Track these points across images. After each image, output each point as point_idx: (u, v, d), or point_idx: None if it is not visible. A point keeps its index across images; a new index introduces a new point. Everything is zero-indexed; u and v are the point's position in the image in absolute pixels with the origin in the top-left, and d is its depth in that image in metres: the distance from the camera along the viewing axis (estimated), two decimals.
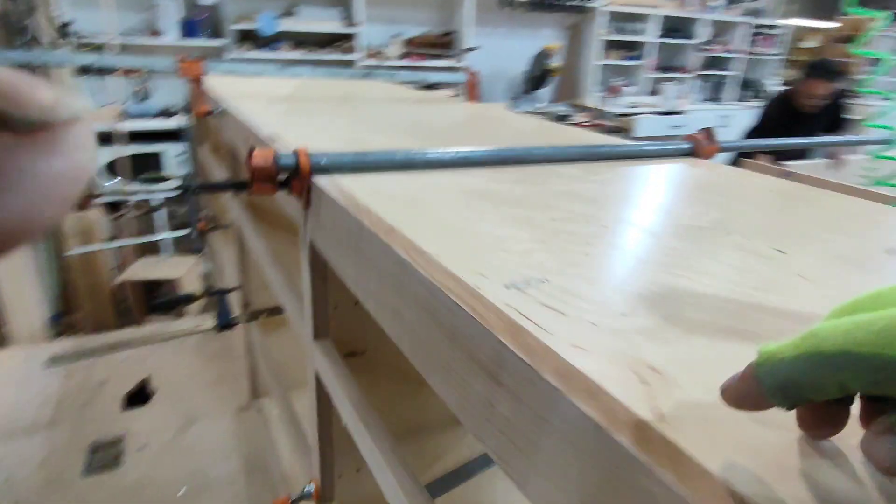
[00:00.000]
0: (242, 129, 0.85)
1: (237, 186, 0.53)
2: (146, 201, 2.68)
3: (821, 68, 2.29)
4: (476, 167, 0.62)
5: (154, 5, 3.07)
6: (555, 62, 3.75)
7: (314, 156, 0.52)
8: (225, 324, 1.09)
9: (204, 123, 1.51)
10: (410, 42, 3.79)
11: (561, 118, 3.61)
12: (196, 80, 1.06)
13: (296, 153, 0.52)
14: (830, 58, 2.27)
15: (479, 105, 1.24)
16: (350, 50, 3.56)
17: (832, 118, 2.44)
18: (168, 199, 2.49)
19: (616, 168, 0.68)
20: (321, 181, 0.51)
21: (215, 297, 1.15)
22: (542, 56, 3.65)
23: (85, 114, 0.13)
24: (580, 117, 3.79)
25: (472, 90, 1.30)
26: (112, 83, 2.92)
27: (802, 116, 2.33)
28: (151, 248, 3.00)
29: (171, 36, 3.11)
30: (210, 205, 1.77)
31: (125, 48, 2.95)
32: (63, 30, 2.42)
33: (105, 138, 2.63)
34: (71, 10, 2.87)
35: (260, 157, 0.49)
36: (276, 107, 1.01)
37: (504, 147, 0.64)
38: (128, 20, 3.11)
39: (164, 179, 2.06)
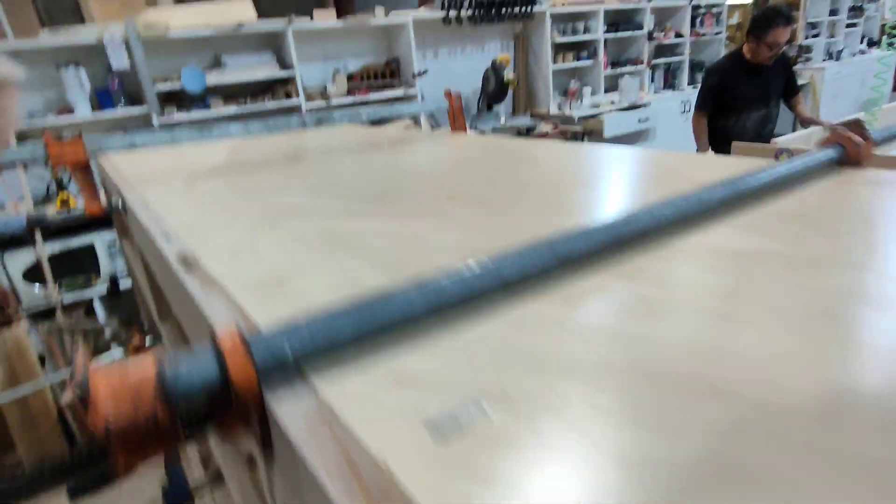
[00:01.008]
0: (143, 239, 0.54)
1: (87, 462, 0.22)
2: (79, 303, 2.30)
3: (776, 15, 2.26)
4: (582, 269, 0.32)
5: (59, 79, 2.71)
6: (509, 74, 3.53)
7: (262, 343, 0.22)
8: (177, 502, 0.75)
9: (119, 216, 1.17)
10: (354, 77, 3.51)
11: (528, 131, 3.37)
12: (79, 168, 0.74)
13: (217, 353, 0.21)
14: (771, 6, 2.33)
15: (471, 137, 0.95)
16: (289, 94, 3.25)
17: (787, 79, 2.45)
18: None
19: (774, 217, 0.40)
20: (289, 408, 0.21)
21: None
22: (497, 69, 3.42)
23: (12, 80, 0.09)
24: (545, 127, 3.56)
25: (457, 116, 1.01)
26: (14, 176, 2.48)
27: (758, 69, 2.35)
28: (97, 347, 2.60)
29: (83, 110, 2.74)
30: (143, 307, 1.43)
31: (25, 134, 2.55)
32: None
33: (19, 240, 2.25)
34: None
35: (118, 395, 0.18)
36: (197, 189, 0.70)
37: (600, 223, 0.35)
38: (32, 100, 2.74)
39: (88, 282, 1.69)
